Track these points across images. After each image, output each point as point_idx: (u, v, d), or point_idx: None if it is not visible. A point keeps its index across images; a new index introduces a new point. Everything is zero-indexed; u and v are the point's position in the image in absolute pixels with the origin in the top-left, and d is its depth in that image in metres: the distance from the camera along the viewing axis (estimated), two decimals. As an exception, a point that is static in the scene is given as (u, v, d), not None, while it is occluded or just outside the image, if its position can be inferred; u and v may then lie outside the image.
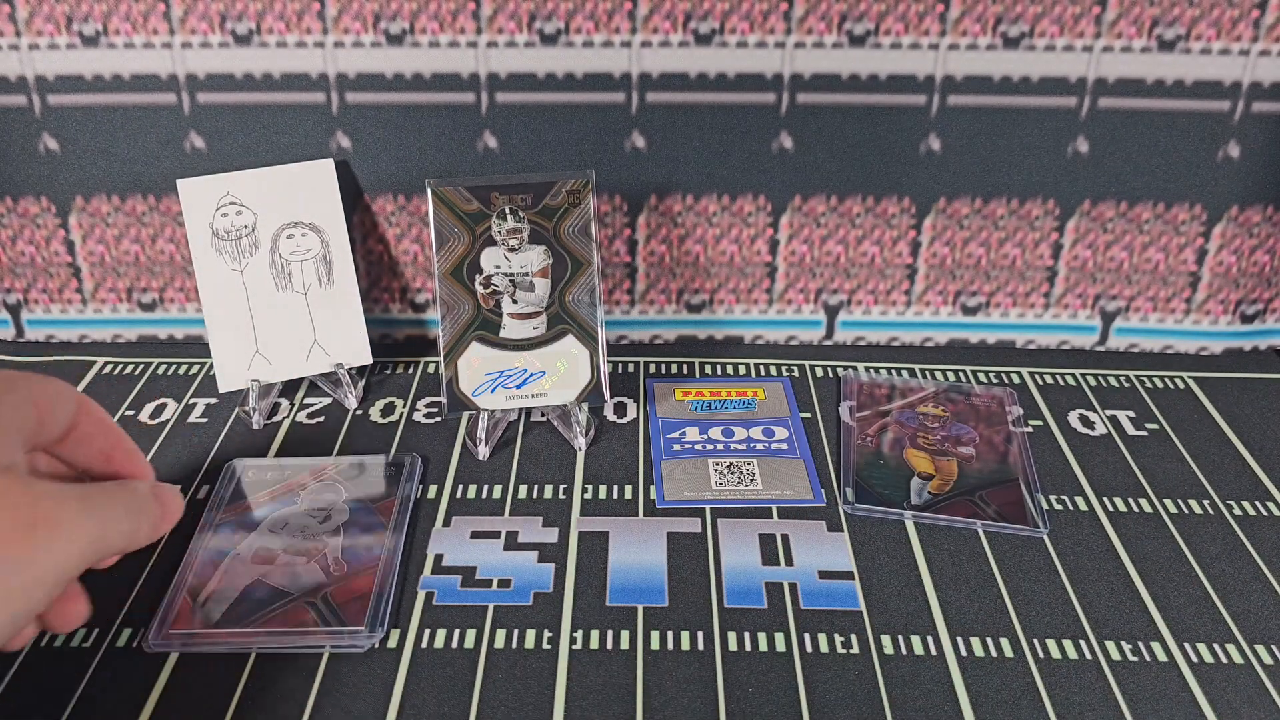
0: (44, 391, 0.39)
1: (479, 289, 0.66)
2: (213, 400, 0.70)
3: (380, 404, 0.70)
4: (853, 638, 0.51)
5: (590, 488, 0.62)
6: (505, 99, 0.70)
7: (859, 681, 0.49)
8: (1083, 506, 0.61)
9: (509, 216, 0.67)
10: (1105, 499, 0.62)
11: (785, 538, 0.58)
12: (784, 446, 0.66)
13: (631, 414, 0.69)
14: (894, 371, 0.75)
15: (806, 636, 0.51)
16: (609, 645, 0.51)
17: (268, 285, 0.69)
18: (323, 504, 0.60)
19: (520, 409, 0.68)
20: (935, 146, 0.71)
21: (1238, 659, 0.50)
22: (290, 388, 0.72)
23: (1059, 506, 0.61)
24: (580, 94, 0.69)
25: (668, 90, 0.69)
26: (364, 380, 0.73)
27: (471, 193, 0.67)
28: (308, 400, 0.71)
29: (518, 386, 0.65)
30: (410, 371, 0.74)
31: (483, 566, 0.56)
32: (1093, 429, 0.68)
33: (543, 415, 0.69)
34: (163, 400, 0.70)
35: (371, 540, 0.57)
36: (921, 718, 0.47)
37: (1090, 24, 0.67)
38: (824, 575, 0.55)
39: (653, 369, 0.75)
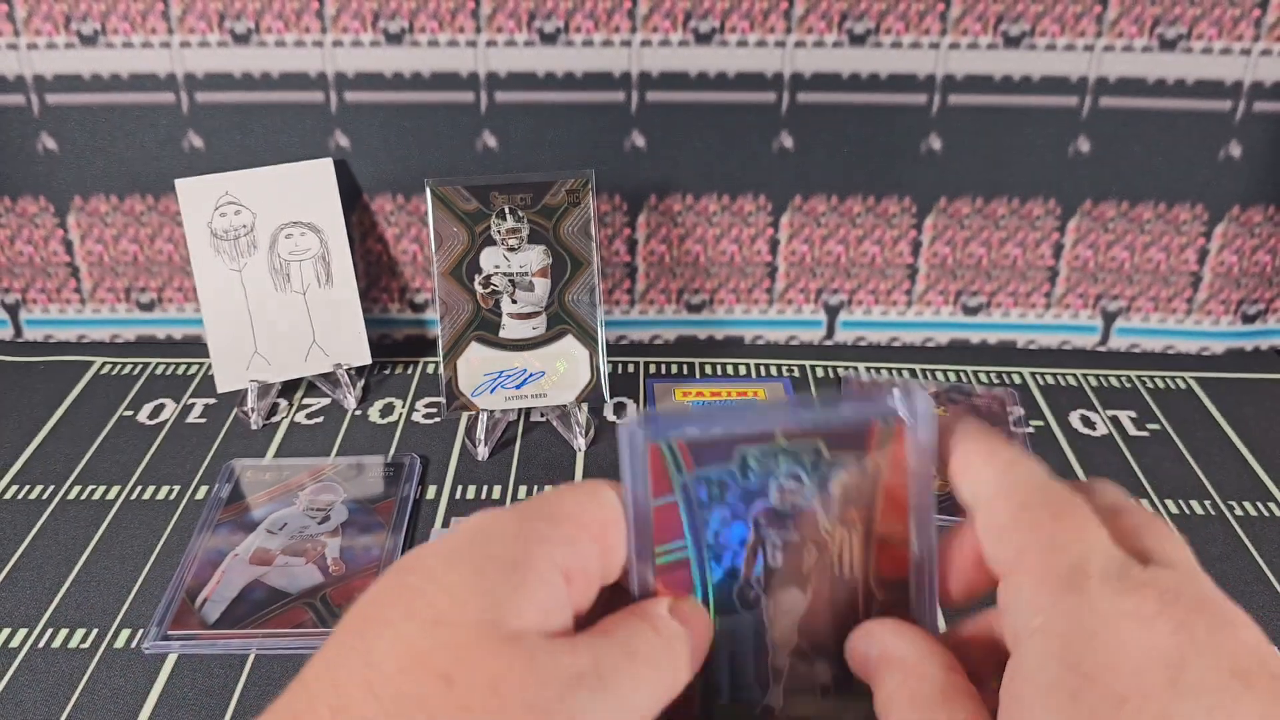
0: (591, 517, 0.26)
1: (478, 289, 0.66)
2: (211, 400, 0.70)
3: (379, 404, 0.70)
4: (853, 639, 0.51)
5: (590, 488, 0.62)
6: (505, 98, 0.69)
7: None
8: (1084, 507, 0.61)
9: (508, 216, 0.66)
10: (1106, 499, 0.61)
11: (785, 538, 0.58)
12: (784, 447, 0.65)
13: (631, 414, 0.69)
14: (895, 372, 0.74)
15: (807, 638, 0.51)
16: (609, 646, 0.51)
17: (266, 285, 0.69)
18: (321, 504, 0.60)
19: (520, 409, 0.68)
20: (936, 146, 0.71)
21: (1240, 660, 0.50)
22: (289, 388, 0.71)
23: (1060, 507, 0.61)
24: (580, 93, 0.69)
25: (668, 89, 0.69)
26: (363, 380, 0.72)
27: (471, 192, 0.66)
28: (306, 400, 0.70)
29: (517, 387, 0.65)
30: (409, 372, 0.74)
31: (482, 567, 0.56)
32: (1094, 429, 0.68)
33: (542, 415, 0.68)
34: (161, 400, 0.70)
35: (370, 541, 0.57)
36: (922, 719, 0.47)
37: (1091, 23, 0.67)
38: (824, 576, 0.55)
39: (653, 369, 0.74)
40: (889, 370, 0.74)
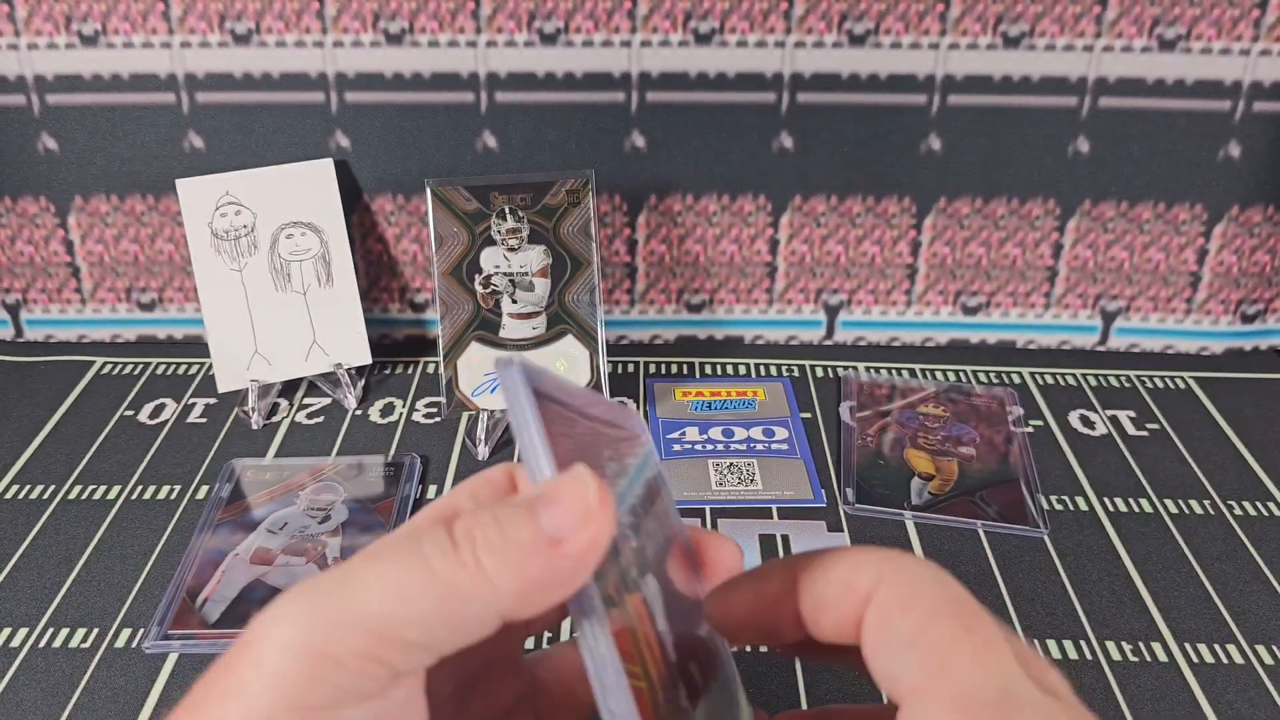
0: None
1: (478, 289, 0.66)
2: (212, 400, 0.70)
3: (379, 404, 0.70)
4: (853, 638, 0.51)
5: (590, 488, 0.62)
6: (505, 98, 0.69)
7: (859, 683, 0.49)
8: (1083, 507, 0.61)
9: (508, 216, 0.66)
10: (1106, 499, 0.61)
11: (785, 538, 0.58)
12: (784, 447, 0.66)
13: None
14: (894, 371, 0.74)
15: (807, 637, 0.51)
16: (609, 646, 0.51)
17: (267, 285, 0.69)
18: (322, 504, 0.60)
19: (520, 409, 0.67)
20: (936, 146, 0.71)
21: (1238, 659, 0.50)
22: (289, 388, 0.72)
23: (1059, 507, 0.61)
24: (580, 93, 0.69)
25: (668, 89, 0.69)
26: (363, 380, 0.73)
27: (471, 192, 0.66)
28: (307, 400, 0.71)
29: (517, 386, 0.65)
30: (409, 371, 0.74)
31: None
32: (1093, 429, 0.68)
33: (542, 415, 0.68)
34: (162, 400, 0.70)
35: (371, 540, 0.57)
36: (922, 718, 0.47)
37: (1091, 23, 0.67)
38: (824, 576, 0.55)
39: (653, 369, 0.75)
40: (889, 370, 0.74)
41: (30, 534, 0.58)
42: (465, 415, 0.67)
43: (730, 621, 0.26)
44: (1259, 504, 0.61)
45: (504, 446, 0.66)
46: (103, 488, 0.62)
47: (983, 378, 0.74)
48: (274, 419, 0.68)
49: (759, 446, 0.65)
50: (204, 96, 0.69)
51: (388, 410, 0.70)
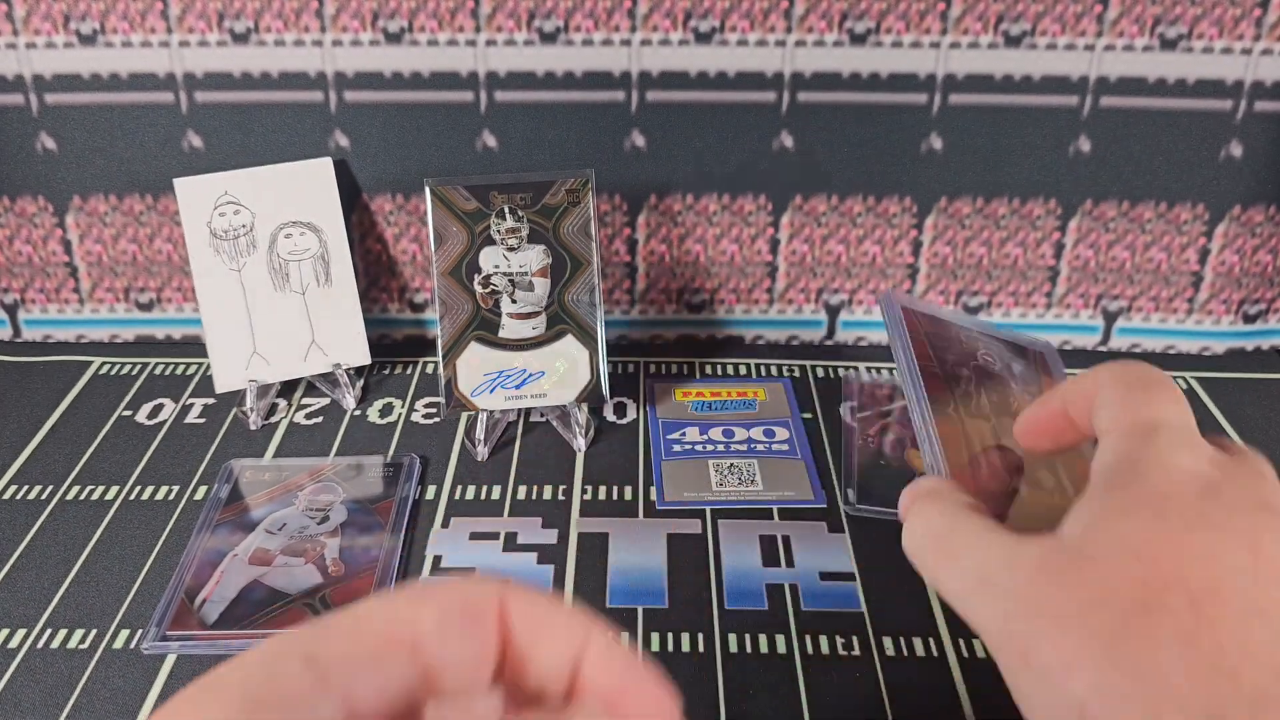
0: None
1: (478, 289, 0.66)
2: (210, 400, 0.70)
3: (378, 404, 0.70)
4: (854, 639, 0.51)
5: (590, 489, 0.62)
6: (504, 98, 0.69)
7: (861, 683, 0.49)
8: (1085, 507, 0.61)
9: (508, 216, 0.66)
10: (1107, 500, 0.61)
11: (786, 539, 0.58)
12: (785, 447, 0.65)
13: (631, 414, 0.69)
14: (895, 372, 0.74)
15: (808, 638, 0.51)
16: (609, 647, 0.50)
17: (265, 285, 0.69)
18: (320, 505, 0.60)
19: (519, 409, 0.67)
20: (937, 145, 0.71)
21: (1241, 661, 0.50)
22: (288, 388, 0.71)
23: (1061, 507, 0.61)
24: (580, 92, 0.69)
25: (668, 89, 0.69)
26: (362, 380, 0.72)
27: (470, 192, 0.66)
28: (305, 400, 0.70)
29: (517, 387, 0.65)
30: (409, 372, 0.74)
31: (482, 568, 0.56)
32: (1095, 429, 0.68)
33: (542, 416, 0.68)
34: (160, 400, 0.70)
35: (369, 541, 0.57)
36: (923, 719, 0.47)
37: (1092, 22, 0.67)
38: (825, 576, 0.55)
39: (653, 369, 0.74)
40: (890, 371, 0.74)
41: (28, 534, 0.58)
42: (464, 415, 0.67)
43: (1035, 430, 0.35)
44: (1261, 504, 0.61)
45: (503, 447, 0.66)
46: (101, 488, 0.62)
47: (984, 378, 0.73)
48: (272, 419, 0.68)
49: (759, 447, 0.65)
50: (203, 96, 0.69)
51: (387, 410, 0.69)
